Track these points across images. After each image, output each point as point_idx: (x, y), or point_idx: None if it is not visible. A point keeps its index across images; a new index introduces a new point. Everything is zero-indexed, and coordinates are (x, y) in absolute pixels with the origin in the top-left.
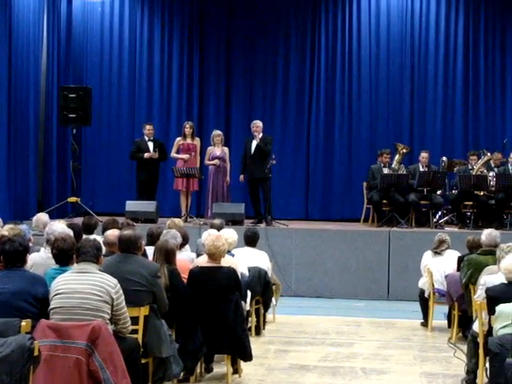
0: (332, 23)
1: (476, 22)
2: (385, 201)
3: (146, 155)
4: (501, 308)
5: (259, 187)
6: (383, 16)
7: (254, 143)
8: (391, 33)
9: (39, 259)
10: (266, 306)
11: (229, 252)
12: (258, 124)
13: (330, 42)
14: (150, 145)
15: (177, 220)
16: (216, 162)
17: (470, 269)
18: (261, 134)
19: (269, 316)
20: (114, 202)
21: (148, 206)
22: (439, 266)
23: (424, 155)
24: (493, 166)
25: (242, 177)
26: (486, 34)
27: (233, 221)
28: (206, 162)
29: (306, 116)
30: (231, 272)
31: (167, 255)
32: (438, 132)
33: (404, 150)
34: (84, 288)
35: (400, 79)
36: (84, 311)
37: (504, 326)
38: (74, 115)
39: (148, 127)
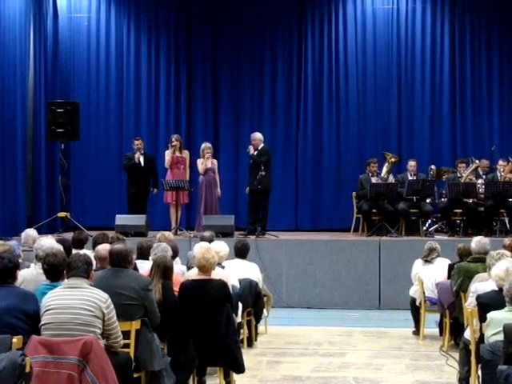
0: (318, 35)
1: (462, 30)
2: (374, 210)
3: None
4: (492, 315)
5: (258, 199)
6: (369, 28)
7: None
8: (377, 43)
9: (29, 275)
10: (258, 318)
11: (219, 264)
12: (253, 137)
13: (316, 55)
14: (141, 158)
15: (167, 233)
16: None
17: (461, 276)
18: (261, 146)
19: (260, 327)
20: (103, 217)
21: (138, 219)
22: (430, 274)
23: (412, 163)
24: (481, 173)
25: (247, 189)
26: (471, 42)
27: (223, 233)
28: (200, 170)
29: (294, 127)
30: (222, 284)
31: (165, 271)
32: (426, 140)
33: (393, 159)
34: (75, 303)
35: (387, 89)
36: (75, 326)
37: (495, 333)
38: (62, 130)
39: (136, 142)
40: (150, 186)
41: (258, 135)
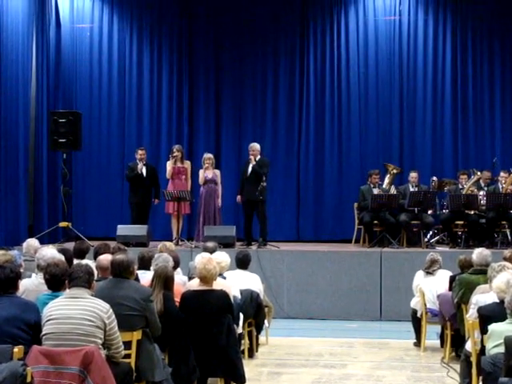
0: (321, 47)
1: (464, 41)
2: (376, 221)
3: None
4: (493, 327)
5: (254, 210)
6: (371, 39)
7: (251, 166)
8: (380, 54)
9: (31, 285)
10: (259, 329)
11: (220, 275)
12: (254, 147)
13: (318, 66)
14: (143, 169)
15: (168, 243)
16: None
17: (462, 288)
18: (258, 157)
19: (261, 338)
20: (105, 227)
21: (139, 229)
22: (431, 286)
23: (413, 175)
24: (483, 185)
25: (239, 198)
26: (473, 54)
27: (224, 243)
28: (200, 182)
29: (296, 138)
30: (223, 295)
31: (166, 282)
32: (428, 152)
33: (394, 171)
34: (76, 313)
35: (389, 100)
36: (76, 337)
37: (496, 345)
38: (64, 140)
39: (140, 152)
40: (152, 197)
41: (257, 146)
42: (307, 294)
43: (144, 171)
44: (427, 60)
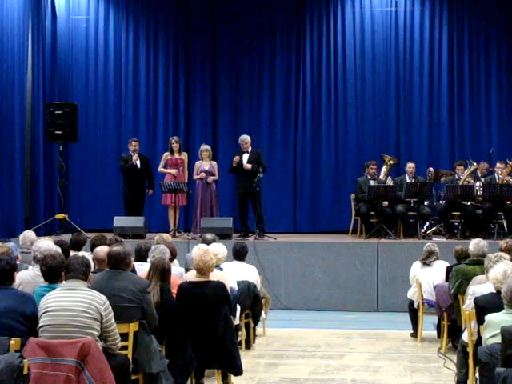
0: (317, 38)
1: (460, 33)
2: (373, 212)
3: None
4: (489, 317)
5: (249, 201)
6: (368, 30)
7: (245, 157)
8: (376, 46)
9: (27, 277)
10: (256, 320)
11: (217, 266)
12: (246, 140)
13: (315, 57)
14: (137, 160)
15: (165, 235)
16: (202, 175)
17: (459, 279)
18: (250, 148)
19: (259, 330)
20: (101, 218)
21: (136, 221)
22: (428, 277)
23: (410, 165)
24: (479, 175)
25: (236, 158)
26: (470, 45)
27: (221, 235)
28: (195, 176)
29: (293, 129)
30: (220, 286)
31: (163, 273)
32: (425, 143)
33: (391, 162)
34: (73, 305)
35: (386, 91)
36: (73, 328)
37: (493, 336)
38: (60, 132)
39: (134, 143)
40: (146, 188)
41: (248, 138)
42: (304, 285)
43: (138, 163)
44: (423, 51)
